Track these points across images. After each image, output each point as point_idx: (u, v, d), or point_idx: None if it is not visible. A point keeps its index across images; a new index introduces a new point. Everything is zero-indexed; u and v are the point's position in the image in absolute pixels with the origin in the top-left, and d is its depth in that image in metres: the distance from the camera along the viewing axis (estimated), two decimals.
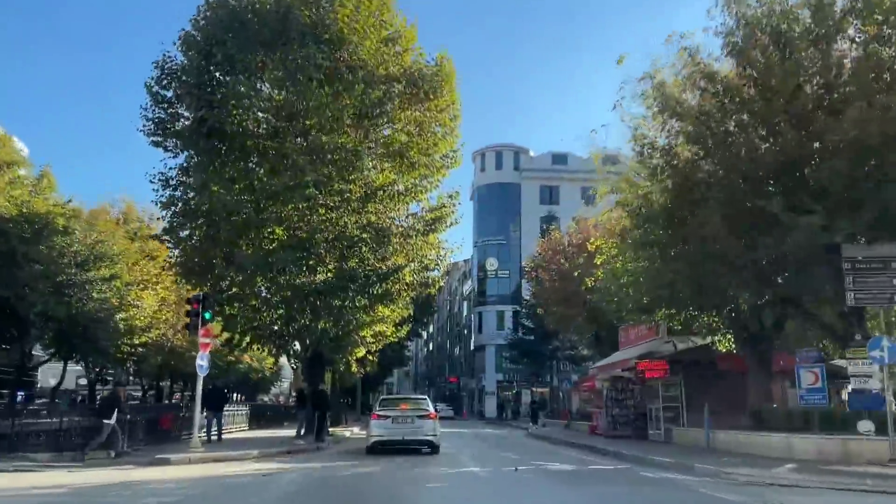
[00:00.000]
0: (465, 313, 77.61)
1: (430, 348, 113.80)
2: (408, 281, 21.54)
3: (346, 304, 19.81)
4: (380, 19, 19.03)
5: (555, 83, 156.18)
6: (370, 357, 32.47)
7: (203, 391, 17.41)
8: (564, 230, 38.14)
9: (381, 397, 23.21)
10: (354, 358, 27.20)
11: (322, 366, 23.67)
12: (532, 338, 48.18)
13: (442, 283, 21.78)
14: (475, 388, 69.44)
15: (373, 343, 27.17)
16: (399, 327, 28.57)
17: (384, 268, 20.26)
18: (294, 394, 39.19)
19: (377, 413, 16.14)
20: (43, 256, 20.66)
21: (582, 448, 19.77)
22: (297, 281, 18.85)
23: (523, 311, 51.42)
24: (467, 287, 75.43)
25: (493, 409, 61.50)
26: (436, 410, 17.83)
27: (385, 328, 25.67)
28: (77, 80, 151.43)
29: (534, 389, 48.13)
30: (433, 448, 15.76)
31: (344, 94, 17.78)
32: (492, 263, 64.91)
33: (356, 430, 31.76)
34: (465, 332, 76.70)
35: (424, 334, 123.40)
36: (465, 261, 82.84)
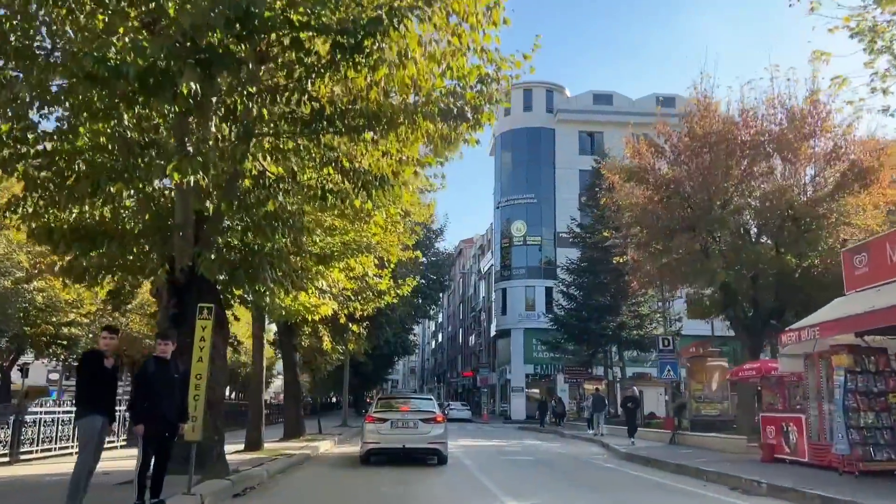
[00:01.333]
0: (482, 295, 64.81)
1: (440, 339, 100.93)
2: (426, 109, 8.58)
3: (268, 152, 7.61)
4: None
5: (600, 10, 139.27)
6: (354, 328, 20.03)
7: None
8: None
9: (378, 397, 19.11)
10: (313, 316, 14.44)
11: (209, 309, 10.74)
12: (584, 313, 35.23)
13: (493, 113, 8.71)
14: (497, 383, 56.60)
15: (351, 293, 15.10)
16: (396, 280, 17.15)
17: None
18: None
19: (373, 415, 13.23)
20: None
21: None
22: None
23: (566, 281, 38.44)
24: (486, 263, 62.56)
25: (522, 408, 48.66)
26: (444, 413, 17.04)
27: (366, 263, 13.77)
28: None
29: (590, 387, 35.37)
30: (440, 458, 13.03)
31: None
32: (519, 228, 52.01)
33: (330, 444, 18.97)
34: (483, 316, 63.93)
35: (432, 326, 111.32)
36: (481, 235, 70.06)
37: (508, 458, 16.89)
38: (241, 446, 14.33)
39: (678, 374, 22.00)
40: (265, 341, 18.21)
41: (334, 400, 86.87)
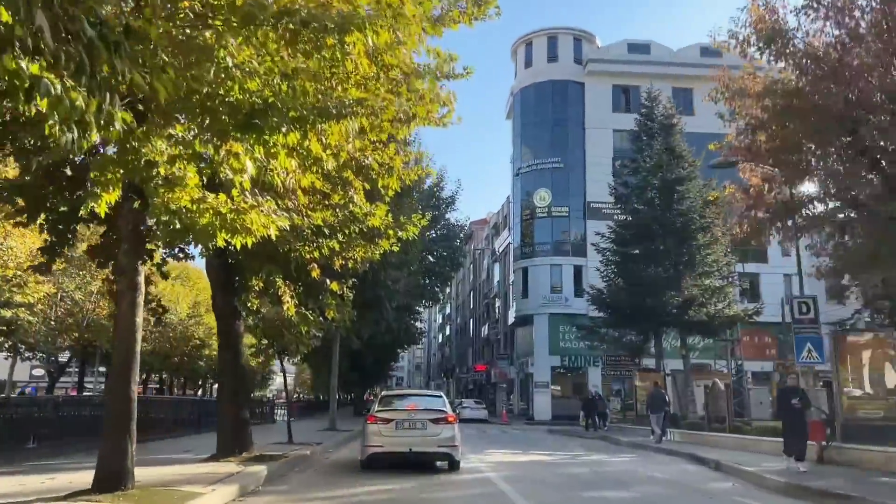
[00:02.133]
0: (496, 279, 57.54)
1: (447, 332, 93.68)
2: None
3: None
4: None
5: None
6: (334, 286, 13.09)
7: None
8: None
9: (382, 394, 14.70)
10: (243, 238, 7.11)
11: None
12: (636, 289, 27.86)
13: None
14: (516, 378, 49.32)
15: (323, 222, 7.85)
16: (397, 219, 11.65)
17: None
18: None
19: (375, 415, 11.73)
20: None
21: None
22: None
23: (609, 252, 31.06)
24: (502, 242, 55.30)
25: (546, 407, 41.41)
26: (456, 412, 15.86)
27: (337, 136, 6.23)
28: None
29: (642, 382, 27.97)
30: (451, 463, 11.69)
31: None
32: (542, 197, 44.63)
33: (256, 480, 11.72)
34: (498, 303, 56.68)
35: (438, 318, 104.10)
36: (494, 212, 62.81)
37: (591, 494, 9.68)
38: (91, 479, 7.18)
39: (822, 355, 14.61)
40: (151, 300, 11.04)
41: (337, 397, 79.65)
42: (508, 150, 53.53)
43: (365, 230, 11.24)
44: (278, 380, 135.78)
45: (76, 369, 56.28)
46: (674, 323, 26.95)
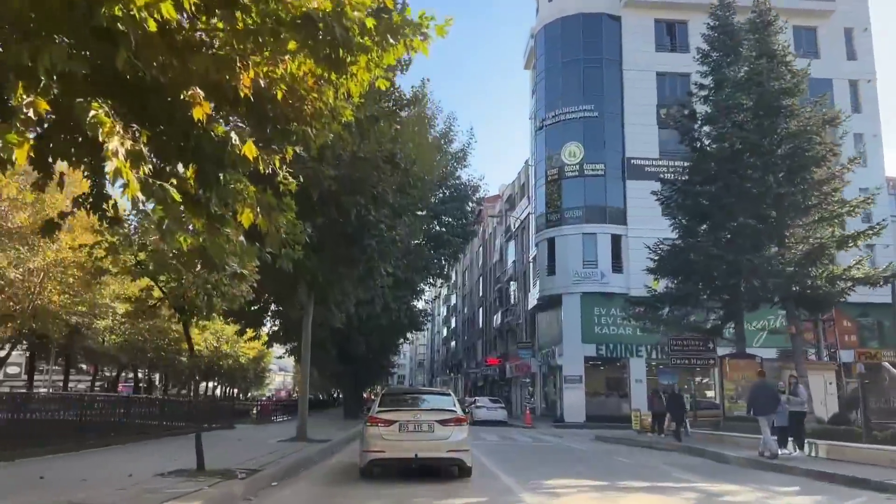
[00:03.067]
0: (511, 259, 50.04)
1: (453, 325, 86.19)
2: None
3: None
4: None
5: None
6: (254, 154, 4.63)
7: None
8: None
9: (384, 392, 13.21)
10: None
11: None
12: (711, 247, 20.22)
13: None
14: (539, 371, 41.73)
15: None
16: None
17: None
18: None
19: (376, 416, 10.40)
20: None
21: None
22: None
23: (672, 202, 23.41)
24: (519, 214, 47.80)
25: (579, 406, 33.94)
26: (468, 412, 13.78)
27: None
28: None
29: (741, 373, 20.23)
30: (462, 469, 10.37)
31: None
32: (572, 152, 36.94)
33: None
34: (513, 287, 49.24)
35: (443, 311, 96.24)
36: (508, 183, 55.28)
37: None
38: None
39: None
40: None
41: (338, 395, 72.36)
42: (529, 98, 46.16)
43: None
44: (277, 379, 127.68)
45: (19, 363, 49.29)
46: (780, 290, 19.29)
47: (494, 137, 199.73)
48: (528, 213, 42.58)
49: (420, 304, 39.24)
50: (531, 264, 42.06)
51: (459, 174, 34.23)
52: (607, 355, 35.05)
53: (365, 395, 43.58)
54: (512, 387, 49.61)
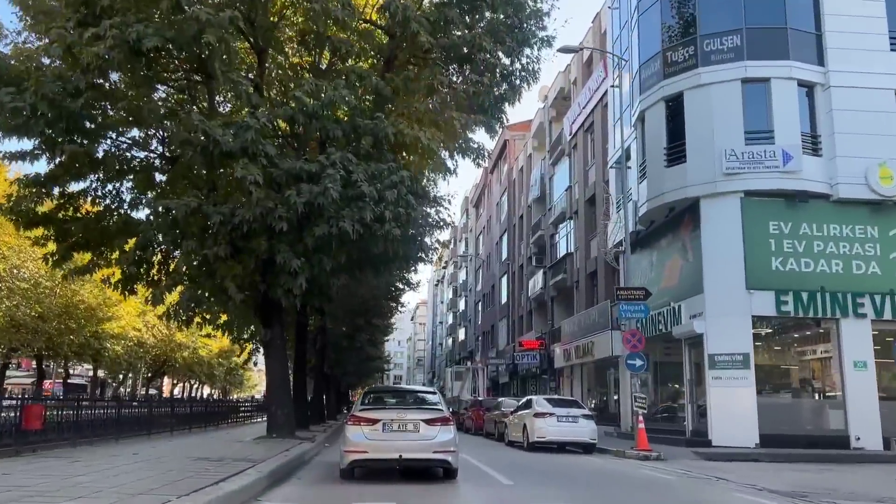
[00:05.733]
0: (560, 189, 32.67)
1: (461, 308, 68.56)
2: None
3: None
4: None
5: None
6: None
7: None
8: None
9: (367, 389, 13.08)
10: None
11: None
12: None
13: None
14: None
15: None
16: None
17: None
18: None
19: (358, 415, 10.15)
20: None
21: None
22: None
23: None
24: (594, 89, 30.27)
25: (745, 417, 16.34)
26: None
27: None
28: None
29: None
30: (448, 471, 10.27)
31: None
32: None
33: None
34: (560, 233, 31.89)
35: (446, 295, 78.15)
36: (554, 79, 37.75)
37: None
38: None
39: None
40: None
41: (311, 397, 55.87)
42: None
43: None
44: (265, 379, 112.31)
45: None
46: None
47: None
48: (615, 79, 25.15)
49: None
50: (614, 172, 24.57)
51: None
52: (796, 313, 17.53)
53: (351, 397, 35.67)
54: (561, 377, 32.02)
